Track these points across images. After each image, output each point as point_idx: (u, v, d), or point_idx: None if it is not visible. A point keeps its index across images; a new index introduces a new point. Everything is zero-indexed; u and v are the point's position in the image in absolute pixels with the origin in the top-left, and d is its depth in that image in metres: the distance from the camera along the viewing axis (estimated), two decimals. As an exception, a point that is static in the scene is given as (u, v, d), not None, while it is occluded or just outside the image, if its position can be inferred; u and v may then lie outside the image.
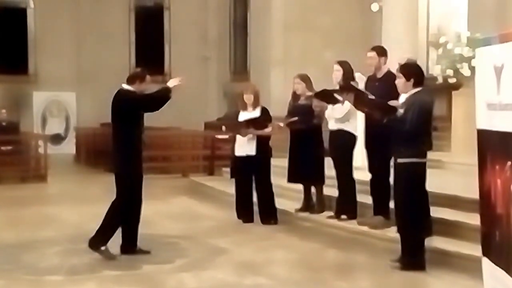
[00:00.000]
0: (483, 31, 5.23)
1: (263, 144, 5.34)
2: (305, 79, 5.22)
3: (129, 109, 4.09)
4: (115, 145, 4.17)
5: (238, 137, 5.41)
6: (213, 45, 12.05)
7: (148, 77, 4.23)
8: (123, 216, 4.16)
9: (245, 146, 5.34)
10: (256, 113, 5.37)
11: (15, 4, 11.46)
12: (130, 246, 4.22)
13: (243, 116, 5.42)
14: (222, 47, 11.82)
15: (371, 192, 4.64)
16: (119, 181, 4.15)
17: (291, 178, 5.27)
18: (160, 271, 4.00)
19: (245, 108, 5.43)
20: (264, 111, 5.39)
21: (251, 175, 5.37)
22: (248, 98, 5.39)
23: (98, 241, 4.13)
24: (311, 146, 5.07)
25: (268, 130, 5.33)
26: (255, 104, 5.39)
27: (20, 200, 6.86)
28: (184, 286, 3.74)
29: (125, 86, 4.20)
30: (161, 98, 4.17)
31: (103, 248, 4.11)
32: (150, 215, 6.03)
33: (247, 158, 5.33)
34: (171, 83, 4.24)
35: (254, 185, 5.40)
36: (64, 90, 11.58)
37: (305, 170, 5.10)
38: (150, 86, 4.24)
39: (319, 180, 5.16)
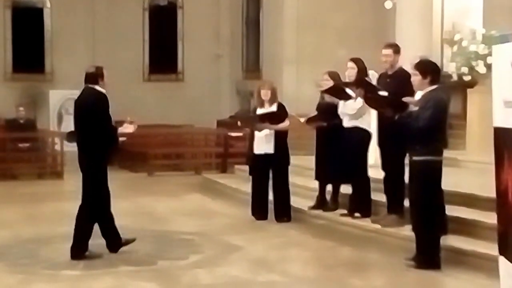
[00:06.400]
0: (499, 28, 5.17)
1: (281, 142, 5.31)
2: (333, 76, 5.09)
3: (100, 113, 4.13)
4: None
5: (257, 134, 5.39)
6: (225, 43, 12.04)
7: (105, 72, 4.28)
8: (93, 216, 4.09)
9: (263, 144, 5.33)
10: (273, 109, 5.35)
11: (32, 4, 11.61)
12: (115, 241, 4.15)
13: (260, 112, 5.40)
14: (235, 45, 11.81)
15: (384, 190, 4.61)
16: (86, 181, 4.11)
17: (323, 177, 5.12)
18: (175, 267, 4.05)
19: (262, 105, 5.41)
20: (281, 107, 5.36)
21: (268, 173, 5.37)
22: (265, 94, 5.38)
23: (79, 249, 4.06)
24: (336, 145, 4.93)
25: (284, 124, 5.28)
26: (272, 101, 5.37)
27: (37, 196, 6.95)
28: (199, 282, 3.78)
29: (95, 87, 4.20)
30: (111, 140, 4.19)
31: (87, 253, 4.08)
32: (163, 212, 6.12)
33: (266, 156, 5.32)
34: (124, 129, 4.25)
35: (270, 182, 5.37)
36: (80, 88, 11.58)
37: (338, 169, 4.92)
38: (107, 81, 4.27)
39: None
